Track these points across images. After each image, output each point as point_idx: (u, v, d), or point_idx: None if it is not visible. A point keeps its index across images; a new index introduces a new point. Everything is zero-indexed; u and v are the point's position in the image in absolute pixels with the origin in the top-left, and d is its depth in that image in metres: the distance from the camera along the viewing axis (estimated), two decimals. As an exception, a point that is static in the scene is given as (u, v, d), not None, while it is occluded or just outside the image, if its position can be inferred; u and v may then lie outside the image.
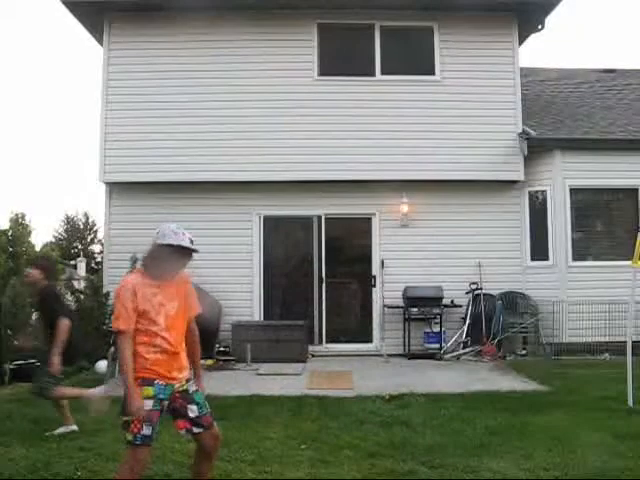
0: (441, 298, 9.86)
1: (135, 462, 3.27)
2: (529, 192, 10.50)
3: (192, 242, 3.36)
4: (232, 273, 10.17)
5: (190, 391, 3.46)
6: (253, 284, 10.27)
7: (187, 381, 3.47)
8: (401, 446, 4.93)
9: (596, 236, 10.65)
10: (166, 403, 3.36)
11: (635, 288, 6.27)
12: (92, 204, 61.49)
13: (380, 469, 4.41)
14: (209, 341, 9.54)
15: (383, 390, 6.93)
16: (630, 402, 6.12)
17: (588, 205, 10.53)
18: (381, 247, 10.42)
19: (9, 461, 4.60)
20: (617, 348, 8.47)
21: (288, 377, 8.05)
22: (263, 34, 10.30)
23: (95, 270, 32.31)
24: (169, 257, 3.35)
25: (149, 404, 3.26)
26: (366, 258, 10.43)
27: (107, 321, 9.27)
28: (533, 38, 10.99)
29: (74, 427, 5.42)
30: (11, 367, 9.30)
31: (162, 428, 5.41)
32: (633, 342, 6.45)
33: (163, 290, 3.37)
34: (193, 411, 3.42)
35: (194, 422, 3.42)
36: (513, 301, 10.06)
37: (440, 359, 9.55)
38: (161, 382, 3.32)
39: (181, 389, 3.43)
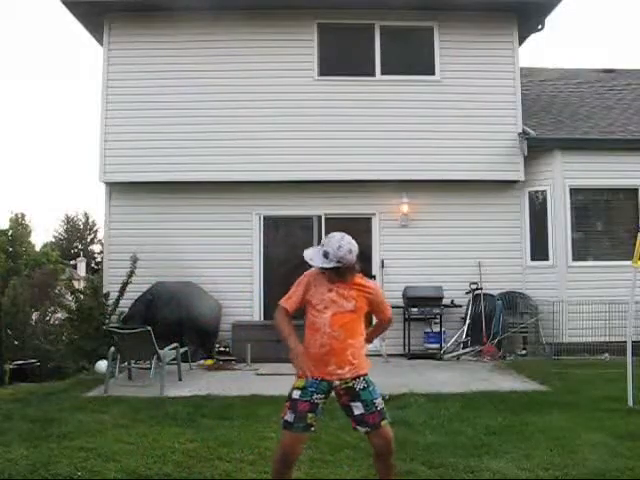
0: (441, 298, 9.85)
1: (279, 446, 3.47)
2: (529, 192, 10.49)
3: (329, 255, 3.43)
4: (232, 273, 10.17)
5: (357, 388, 3.47)
6: (253, 284, 10.28)
7: (355, 379, 3.48)
8: (401, 446, 4.91)
9: (596, 236, 10.63)
10: (320, 397, 3.43)
11: (635, 288, 6.26)
12: (92, 204, 61.64)
13: (380, 469, 4.41)
14: (209, 341, 9.54)
15: (383, 390, 6.84)
16: (630, 402, 6.12)
17: (588, 205, 10.52)
18: (381, 247, 10.42)
19: (9, 461, 4.59)
20: (617, 348, 8.47)
21: (288, 377, 8.01)
22: (263, 34, 10.30)
23: (95, 270, 32.32)
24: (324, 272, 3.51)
25: (297, 394, 3.42)
26: (366, 258, 10.37)
27: (107, 321, 9.27)
28: (533, 38, 10.99)
29: None
30: (11, 367, 9.31)
31: (161, 428, 5.49)
32: (633, 342, 6.45)
33: (339, 289, 3.50)
34: (358, 408, 3.44)
35: (358, 420, 3.45)
36: (513, 301, 10.05)
37: (440, 359, 9.54)
38: (314, 377, 3.42)
39: (345, 386, 3.47)
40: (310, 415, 3.40)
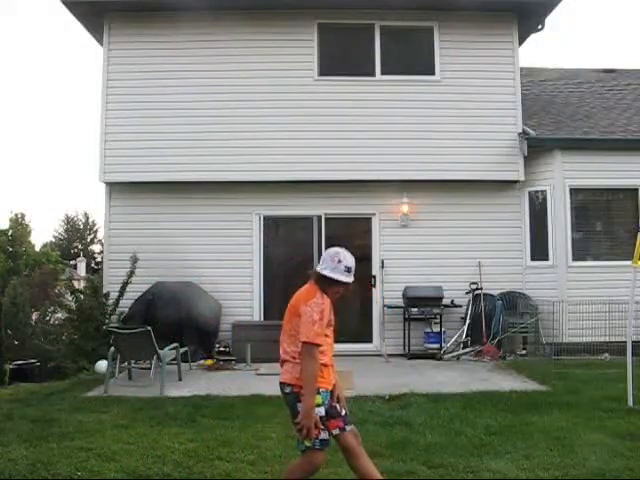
0: (441, 298, 9.85)
1: (310, 466, 3.40)
2: (529, 192, 10.49)
3: (351, 270, 3.60)
4: (232, 273, 10.17)
5: (334, 392, 3.58)
6: (253, 284, 10.26)
7: None
8: (401, 446, 4.93)
9: (596, 236, 10.62)
10: None
11: (635, 288, 6.27)
12: (92, 204, 61.65)
13: (380, 469, 4.37)
14: (209, 341, 9.54)
15: (383, 390, 6.92)
16: (630, 402, 6.12)
17: (588, 205, 10.53)
18: (381, 247, 10.41)
19: (9, 461, 4.60)
20: (617, 348, 8.46)
21: (288, 377, 8.02)
22: (263, 34, 10.29)
23: (95, 270, 32.31)
24: (339, 287, 3.58)
25: (321, 411, 3.38)
26: (366, 258, 10.39)
27: (107, 321, 9.28)
28: (533, 38, 10.99)
29: None
30: (11, 367, 9.33)
31: (161, 428, 5.49)
32: (633, 342, 6.45)
33: (331, 306, 3.58)
34: (344, 408, 3.56)
35: (346, 420, 3.51)
36: (513, 301, 10.05)
37: (440, 359, 9.54)
38: (325, 389, 3.46)
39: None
40: None
